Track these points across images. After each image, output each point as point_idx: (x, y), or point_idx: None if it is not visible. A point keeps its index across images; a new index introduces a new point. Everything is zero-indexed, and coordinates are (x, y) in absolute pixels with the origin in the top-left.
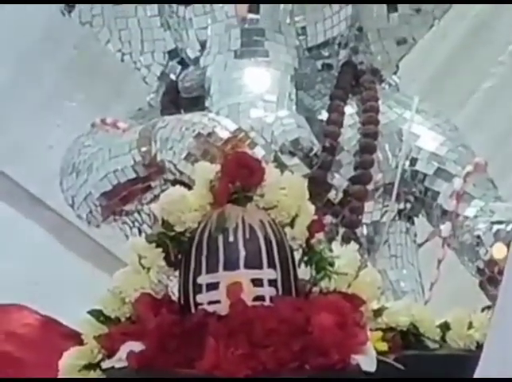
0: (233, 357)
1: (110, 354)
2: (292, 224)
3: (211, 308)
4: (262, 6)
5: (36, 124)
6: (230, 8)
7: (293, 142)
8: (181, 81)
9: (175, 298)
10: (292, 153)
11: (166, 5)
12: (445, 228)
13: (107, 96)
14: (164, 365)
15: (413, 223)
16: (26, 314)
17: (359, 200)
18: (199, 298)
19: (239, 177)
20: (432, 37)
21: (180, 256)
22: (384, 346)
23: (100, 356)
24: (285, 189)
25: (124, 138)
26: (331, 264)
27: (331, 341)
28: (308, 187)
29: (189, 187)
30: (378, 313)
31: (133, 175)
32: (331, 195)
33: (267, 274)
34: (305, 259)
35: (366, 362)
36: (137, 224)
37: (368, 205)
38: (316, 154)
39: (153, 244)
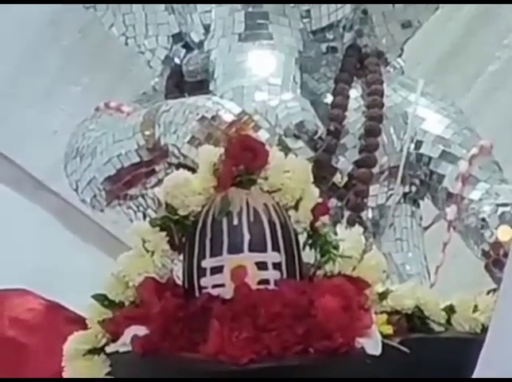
0: (237, 341)
1: (114, 338)
2: (296, 207)
3: (215, 291)
4: None
5: (41, 109)
6: None
7: (298, 125)
8: (185, 65)
9: (179, 281)
10: (297, 137)
11: None
12: (451, 210)
13: (111, 80)
14: (168, 349)
15: (418, 206)
16: (30, 299)
17: (364, 184)
18: (204, 281)
19: (243, 160)
20: (437, 20)
21: (184, 240)
22: (389, 329)
23: (104, 341)
24: (290, 172)
25: (128, 121)
26: (336, 247)
27: (336, 325)
28: (312, 170)
29: (193, 170)
30: (382, 296)
31: (137, 159)
32: (336, 178)
33: (271, 257)
34: (310, 242)
35: (371, 345)
36: (141, 208)
37: (373, 188)
38: (320, 137)
39: (157, 228)
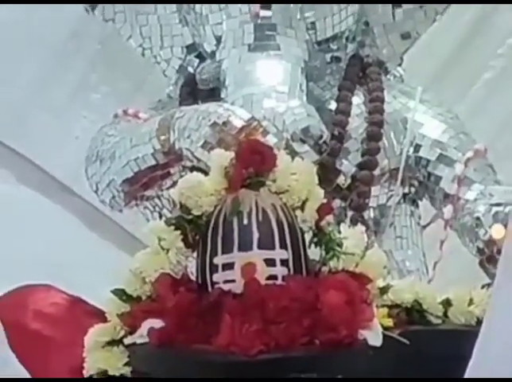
0: (247, 333)
1: (132, 331)
2: (302, 208)
3: (226, 287)
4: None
5: (64, 116)
6: (243, 5)
7: (304, 130)
8: (198, 74)
9: (193, 277)
10: (303, 141)
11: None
12: (447, 210)
13: (129, 89)
14: (182, 341)
15: (417, 206)
16: (53, 294)
17: (366, 185)
18: (216, 277)
19: (253, 163)
20: (434, 30)
21: (197, 238)
22: (389, 322)
23: (123, 333)
24: (296, 175)
25: (144, 127)
26: (340, 245)
27: (340, 318)
28: (317, 172)
29: (206, 173)
30: (383, 290)
31: (153, 162)
32: (340, 180)
33: (279, 254)
34: (315, 240)
35: (373, 337)
36: (157, 208)
37: (375, 190)
38: (325, 142)
39: (172, 227)
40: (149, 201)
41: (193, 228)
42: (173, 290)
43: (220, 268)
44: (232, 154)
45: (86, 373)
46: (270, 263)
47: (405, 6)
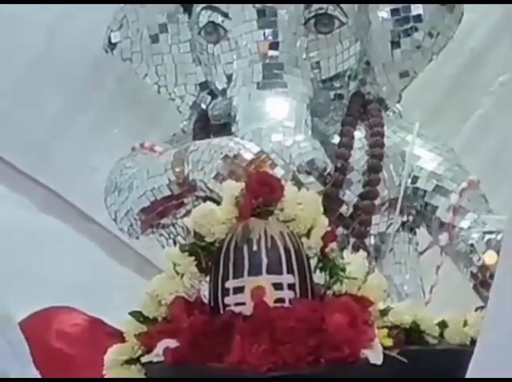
0: (257, 352)
1: (148, 350)
2: (308, 235)
3: (237, 309)
4: (281, 44)
5: (85, 148)
6: (253, 45)
7: (309, 163)
8: (211, 110)
9: (205, 300)
10: (308, 173)
11: (197, 43)
12: (443, 237)
13: (146, 123)
14: (196, 359)
15: (414, 233)
16: (75, 315)
17: (367, 214)
18: (227, 300)
19: (262, 193)
20: (431, 69)
21: (209, 263)
22: (389, 342)
23: (140, 352)
24: (302, 204)
25: (160, 160)
26: (343, 270)
27: (343, 338)
28: (322, 202)
29: (218, 203)
30: (384, 312)
31: (169, 193)
32: (343, 209)
33: (286, 279)
34: (320, 265)
35: (374, 356)
36: (172, 235)
37: (375, 218)
38: (329, 173)
39: (186, 253)
40: (165, 229)
41: (206, 254)
42: (187, 312)
43: (231, 292)
44: (242, 185)
45: None
46: (278, 286)
47: (403, 47)
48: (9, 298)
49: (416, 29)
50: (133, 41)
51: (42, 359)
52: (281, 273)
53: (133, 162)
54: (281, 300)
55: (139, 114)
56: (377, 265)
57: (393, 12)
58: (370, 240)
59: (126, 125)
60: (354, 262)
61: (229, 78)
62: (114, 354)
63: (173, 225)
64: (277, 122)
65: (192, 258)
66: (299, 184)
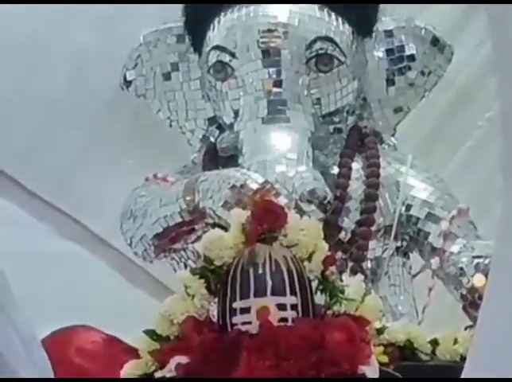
0: (262, 368)
1: (161, 366)
2: (309, 259)
3: (244, 328)
4: (284, 81)
5: (101, 178)
6: (258, 83)
7: (310, 192)
8: (219, 143)
9: (214, 320)
10: (310, 201)
11: (207, 81)
12: (434, 261)
13: (158, 156)
14: (206, 374)
15: (408, 258)
16: (93, 334)
17: (364, 240)
18: (234, 319)
19: (266, 220)
20: (423, 105)
21: (218, 286)
22: (385, 358)
23: (153, 368)
24: (304, 231)
25: (172, 189)
26: (342, 292)
27: (343, 354)
28: (322, 229)
29: (226, 229)
30: (380, 331)
31: (180, 219)
32: (342, 235)
33: (289, 300)
34: (321, 287)
35: (371, 371)
36: (183, 259)
37: (372, 243)
38: (329, 202)
39: (197, 276)
40: (176, 253)
41: (215, 277)
42: (197, 330)
43: (238, 312)
44: (249, 213)
45: None
46: (282, 307)
47: (397, 84)
48: (33, 316)
49: (410, 68)
50: (147, 79)
51: (63, 373)
52: (284, 294)
53: (147, 191)
54: (284, 319)
55: (153, 147)
56: (373, 287)
57: (388, 52)
58: (367, 264)
59: (140, 157)
60: (352, 284)
61: (236, 113)
62: (129, 369)
63: (184, 250)
64: (281, 155)
65: (202, 280)
66: (301, 212)
